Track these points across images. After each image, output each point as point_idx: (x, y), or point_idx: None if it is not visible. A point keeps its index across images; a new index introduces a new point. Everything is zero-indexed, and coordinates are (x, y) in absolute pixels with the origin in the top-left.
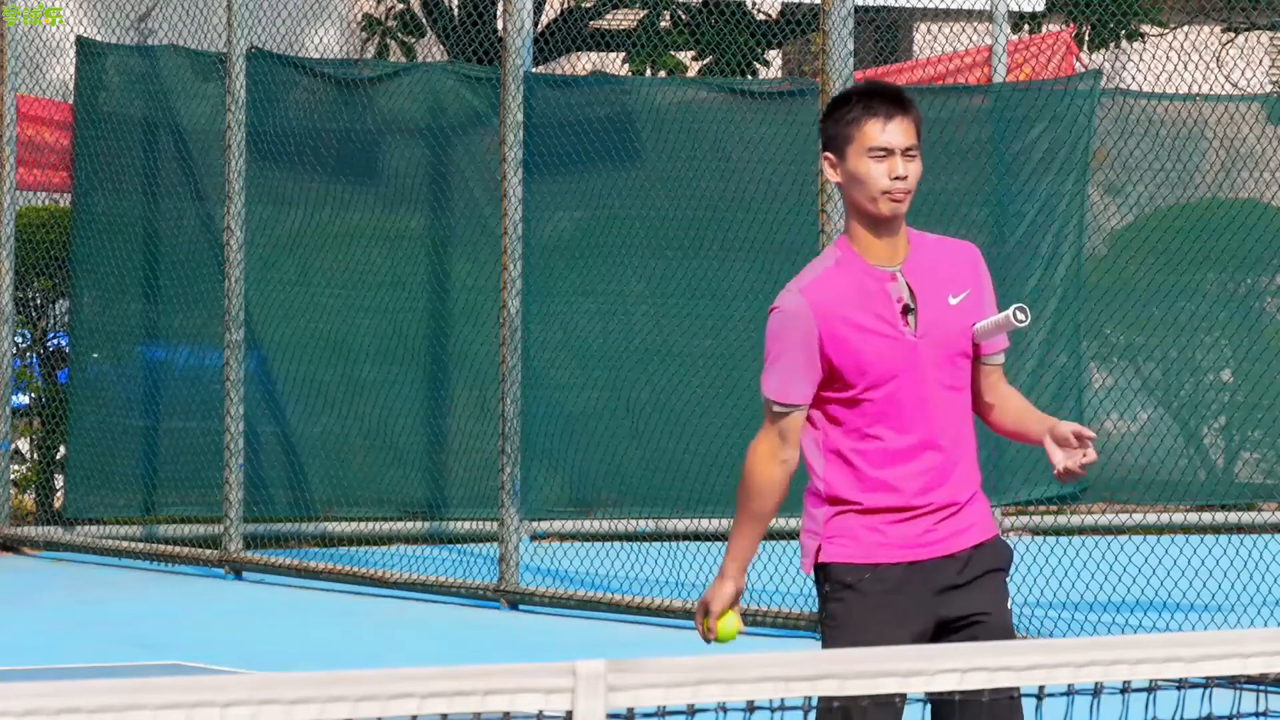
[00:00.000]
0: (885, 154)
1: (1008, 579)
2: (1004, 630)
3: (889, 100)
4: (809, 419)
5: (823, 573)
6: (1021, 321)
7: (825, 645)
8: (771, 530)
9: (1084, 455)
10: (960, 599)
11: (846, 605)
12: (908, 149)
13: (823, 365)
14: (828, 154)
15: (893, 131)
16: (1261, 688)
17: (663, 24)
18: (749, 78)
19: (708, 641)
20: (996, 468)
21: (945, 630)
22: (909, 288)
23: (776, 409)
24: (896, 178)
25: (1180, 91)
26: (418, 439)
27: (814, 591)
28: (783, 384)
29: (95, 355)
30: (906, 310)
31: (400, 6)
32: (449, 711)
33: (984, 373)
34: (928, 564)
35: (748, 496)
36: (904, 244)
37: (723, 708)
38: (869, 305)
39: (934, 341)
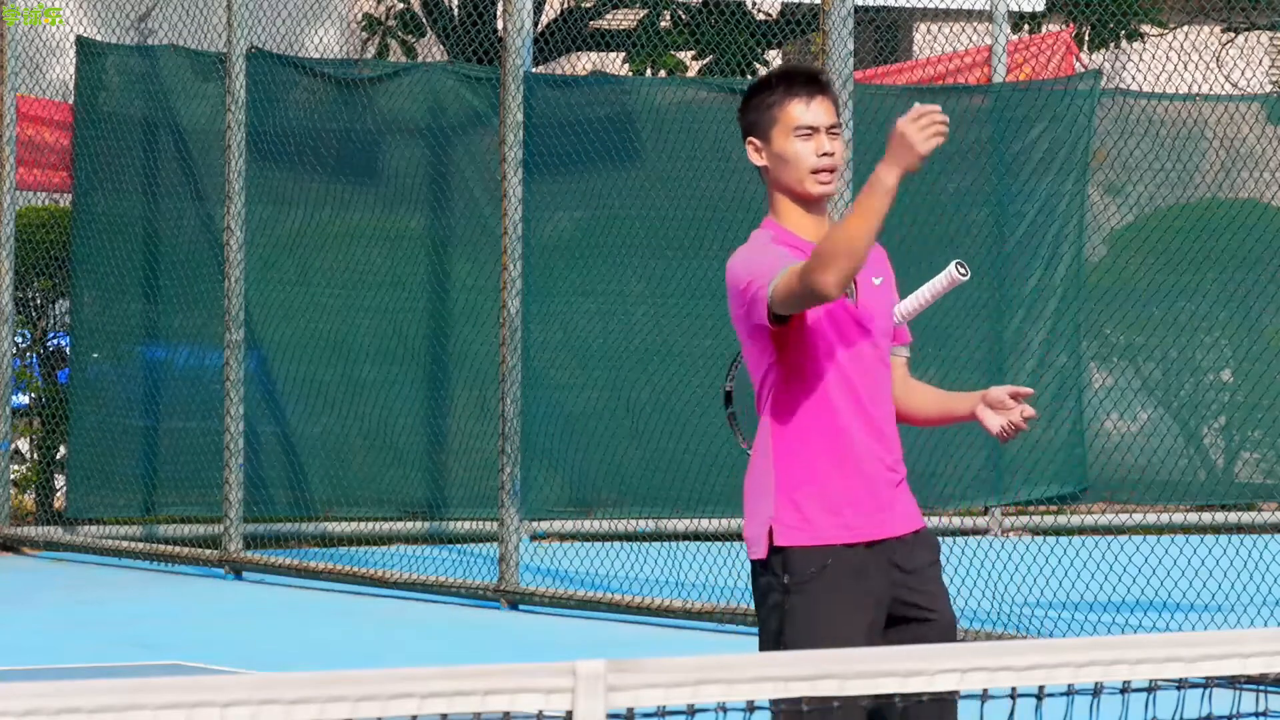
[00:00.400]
0: (811, 132)
1: (941, 568)
2: (950, 628)
3: (809, 80)
4: (758, 396)
5: (779, 559)
6: (963, 275)
7: (783, 640)
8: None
9: (1023, 410)
10: (913, 586)
11: (809, 596)
12: (831, 127)
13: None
14: (751, 139)
15: (816, 110)
16: (1261, 688)
17: (663, 24)
18: (749, 78)
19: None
20: (997, 468)
21: (894, 616)
22: None
23: (791, 268)
24: (824, 154)
25: (1180, 91)
26: (418, 439)
27: None
28: (782, 261)
29: (95, 355)
30: None
31: (401, 6)
32: (449, 711)
33: (894, 364)
34: (883, 545)
35: (837, 237)
36: (828, 225)
37: (722, 708)
38: None
39: (871, 313)
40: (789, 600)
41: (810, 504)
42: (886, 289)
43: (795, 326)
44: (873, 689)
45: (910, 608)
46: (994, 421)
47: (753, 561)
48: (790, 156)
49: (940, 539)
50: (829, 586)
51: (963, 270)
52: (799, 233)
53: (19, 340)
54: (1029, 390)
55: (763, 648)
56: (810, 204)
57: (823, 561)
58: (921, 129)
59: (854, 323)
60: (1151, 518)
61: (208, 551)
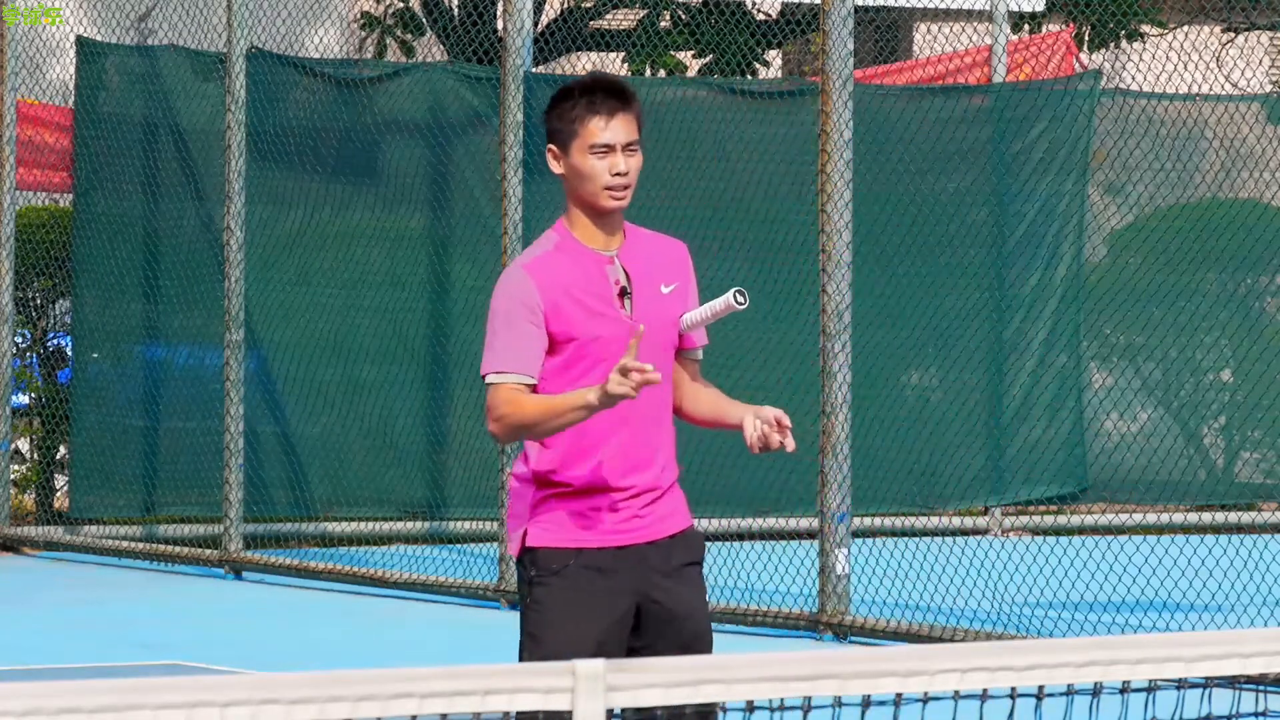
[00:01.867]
0: (607, 150)
1: (702, 571)
2: (704, 633)
3: (611, 95)
4: None
5: (529, 557)
6: (741, 304)
7: (526, 629)
8: (770, 531)
9: (782, 437)
10: (665, 589)
11: (551, 590)
12: (629, 144)
13: (545, 340)
14: (551, 146)
15: (614, 129)
16: (1261, 688)
17: (663, 24)
18: (749, 78)
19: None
20: (997, 468)
21: (645, 617)
22: (625, 272)
23: (507, 379)
24: (617, 173)
25: (1180, 91)
26: (418, 439)
27: (812, 591)
28: (513, 356)
29: (95, 355)
30: (623, 293)
31: (400, 5)
32: (449, 711)
33: (684, 366)
34: (633, 549)
35: (523, 412)
36: (620, 232)
37: (722, 708)
38: (588, 285)
39: (648, 325)
40: (532, 593)
41: (560, 510)
42: (676, 297)
43: (553, 344)
44: (872, 689)
45: (659, 607)
46: (750, 428)
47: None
48: (585, 172)
49: (937, 539)
50: (568, 584)
51: (740, 300)
52: (586, 240)
53: (19, 340)
54: (789, 424)
55: (520, 640)
56: (602, 215)
57: (565, 561)
58: (620, 385)
59: (625, 336)
60: (1151, 518)
61: (208, 551)
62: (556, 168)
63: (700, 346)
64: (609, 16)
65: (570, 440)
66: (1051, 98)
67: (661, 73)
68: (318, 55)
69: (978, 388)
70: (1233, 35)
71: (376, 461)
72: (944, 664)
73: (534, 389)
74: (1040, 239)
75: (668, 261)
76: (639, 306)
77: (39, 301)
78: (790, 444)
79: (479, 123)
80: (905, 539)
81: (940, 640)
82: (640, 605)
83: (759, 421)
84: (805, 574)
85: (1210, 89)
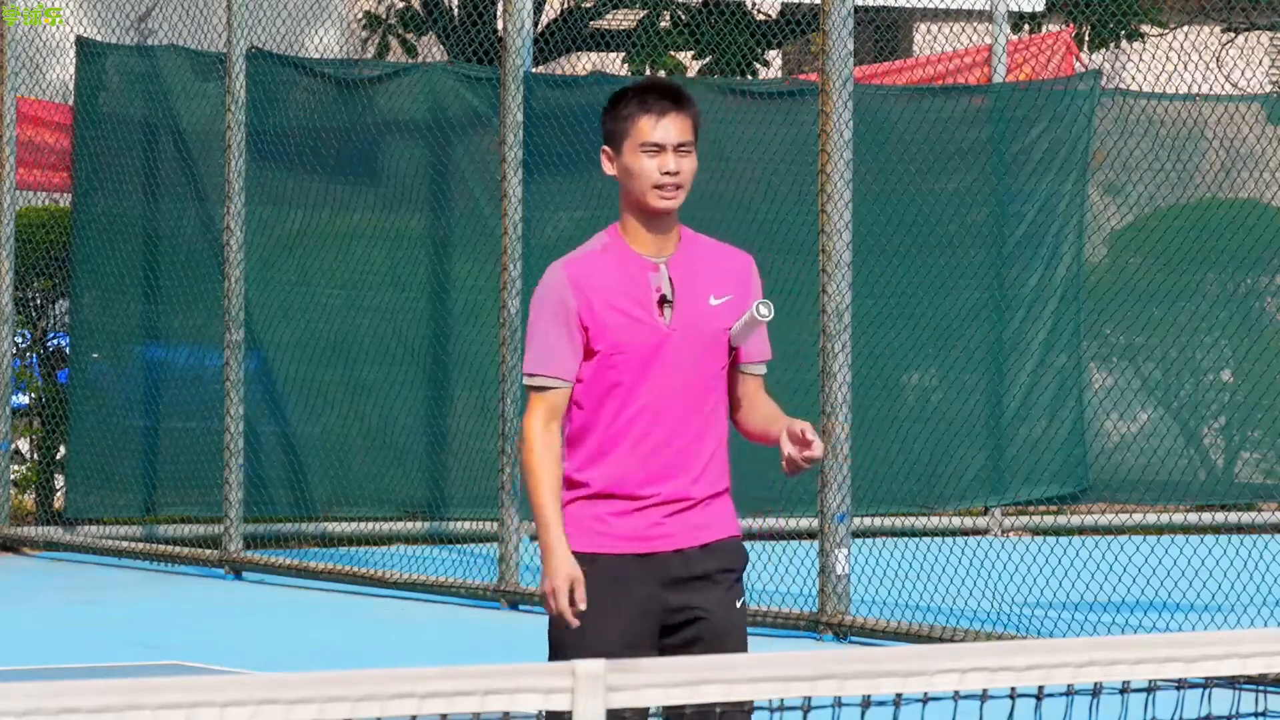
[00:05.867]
0: (657, 150)
1: (741, 580)
2: (728, 630)
3: (664, 96)
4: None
5: None
6: (764, 316)
7: (549, 633)
8: (770, 531)
9: (808, 449)
10: (684, 594)
11: None
12: (680, 145)
13: (581, 342)
14: (605, 148)
15: (666, 128)
16: (1261, 688)
17: (663, 24)
18: (749, 78)
19: (563, 625)
20: (996, 468)
21: (668, 627)
22: (670, 280)
23: (542, 382)
24: (667, 173)
25: (1180, 91)
26: (418, 439)
27: (812, 591)
28: (547, 358)
29: (95, 355)
30: (663, 301)
31: (401, 4)
32: (449, 711)
33: (740, 380)
34: (653, 557)
35: (535, 468)
36: (675, 240)
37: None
38: (628, 290)
39: (688, 336)
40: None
41: (583, 515)
42: (729, 309)
43: (587, 346)
44: (872, 689)
45: (683, 611)
46: (784, 450)
47: None
48: (635, 171)
49: (937, 539)
50: (586, 589)
51: (764, 312)
52: (636, 246)
53: (19, 340)
54: (814, 437)
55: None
56: (653, 218)
57: (582, 567)
58: (551, 595)
59: (663, 343)
60: (1151, 518)
61: (208, 551)
62: (609, 169)
63: (757, 361)
64: (609, 16)
65: (593, 441)
66: (1051, 98)
67: (661, 73)
68: (318, 55)
69: (978, 388)
70: (1233, 35)
71: (377, 461)
72: (944, 664)
73: (571, 390)
74: (1040, 239)
75: (724, 273)
76: (680, 316)
77: (39, 301)
78: (817, 453)
79: (479, 123)
80: (905, 539)
81: (940, 640)
82: (665, 614)
83: (787, 442)
84: (805, 574)
85: (1210, 89)
